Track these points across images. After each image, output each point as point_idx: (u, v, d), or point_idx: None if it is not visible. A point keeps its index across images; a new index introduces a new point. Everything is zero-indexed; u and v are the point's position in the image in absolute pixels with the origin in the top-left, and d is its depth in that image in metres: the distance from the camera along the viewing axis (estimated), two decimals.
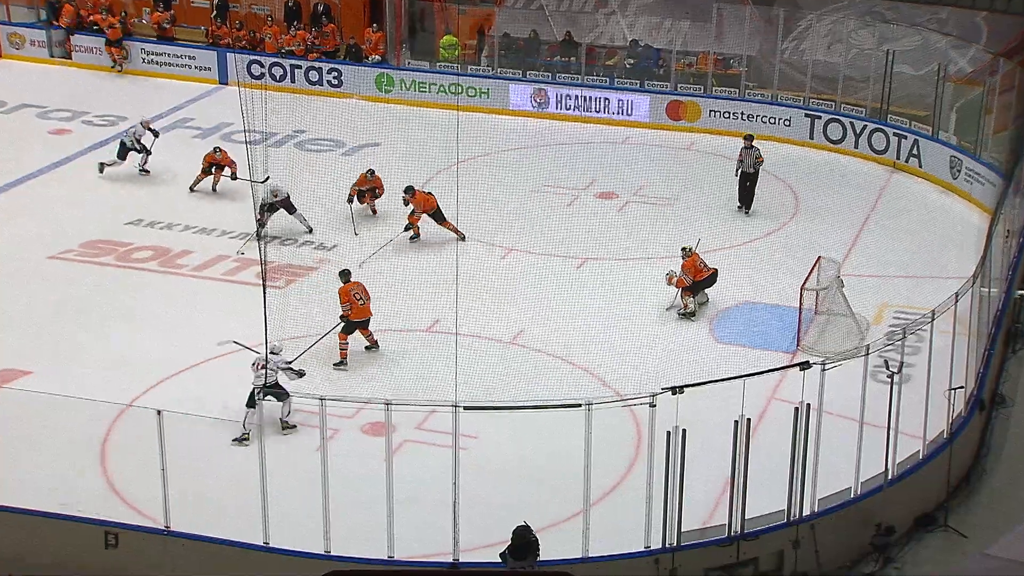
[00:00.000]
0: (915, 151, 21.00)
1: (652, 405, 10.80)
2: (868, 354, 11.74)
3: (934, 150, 20.67)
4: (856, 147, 21.80)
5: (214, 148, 19.76)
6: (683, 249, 16.03)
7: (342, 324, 14.69)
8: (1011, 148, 18.41)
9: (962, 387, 12.99)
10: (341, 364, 14.57)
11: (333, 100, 23.50)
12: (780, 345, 15.43)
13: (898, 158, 21.32)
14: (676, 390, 10.75)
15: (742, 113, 22.66)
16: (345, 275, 14.95)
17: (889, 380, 11.84)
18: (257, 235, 16.45)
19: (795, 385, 11.42)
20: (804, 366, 11.28)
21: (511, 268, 17.36)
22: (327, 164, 20.63)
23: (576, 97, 23.42)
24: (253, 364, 13.23)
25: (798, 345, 15.35)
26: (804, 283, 15.59)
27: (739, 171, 19.20)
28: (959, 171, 20.18)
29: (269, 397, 13.00)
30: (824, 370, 11.34)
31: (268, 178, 17.70)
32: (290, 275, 16.99)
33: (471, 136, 19.71)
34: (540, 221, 18.90)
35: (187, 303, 16.46)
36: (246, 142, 16.76)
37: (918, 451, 12.59)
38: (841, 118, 21.92)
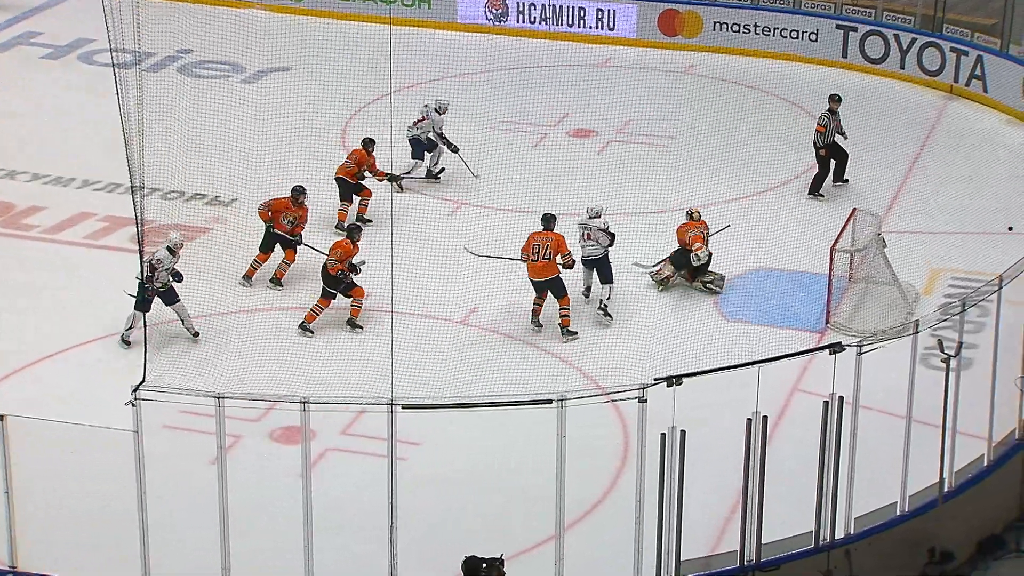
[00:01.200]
0: (978, 71, 21.20)
1: (642, 400, 10.85)
2: (917, 332, 11.84)
3: (1003, 69, 20.87)
4: (902, 67, 21.97)
5: (364, 141, 17.37)
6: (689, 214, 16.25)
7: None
8: None
9: None
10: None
11: (228, 10, 23.21)
12: (805, 323, 15.59)
13: (956, 81, 21.52)
14: (673, 381, 10.81)
15: (755, 25, 22.75)
16: (546, 220, 15.42)
17: (944, 366, 11.96)
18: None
19: (824, 373, 11.50)
20: (836, 348, 11.38)
21: (462, 227, 17.36)
22: (221, 94, 20.48)
23: (543, 7, 23.39)
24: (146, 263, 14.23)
25: (828, 322, 15.52)
26: (835, 243, 15.73)
27: (822, 145, 18.25)
28: None
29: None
30: (861, 353, 11.45)
31: (458, 149, 17.71)
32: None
33: (408, 58, 19.61)
34: (498, 167, 18.91)
35: (40, 274, 16.32)
36: (113, 65, 16.55)
37: (982, 456, 12.76)
38: (883, 30, 22.06)
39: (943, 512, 12.34)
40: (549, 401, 10.74)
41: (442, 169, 18.56)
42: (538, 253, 15.17)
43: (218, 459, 10.92)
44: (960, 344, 12.09)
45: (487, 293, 15.96)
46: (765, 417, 11.22)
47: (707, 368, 11.65)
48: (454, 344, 15.08)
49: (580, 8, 23.38)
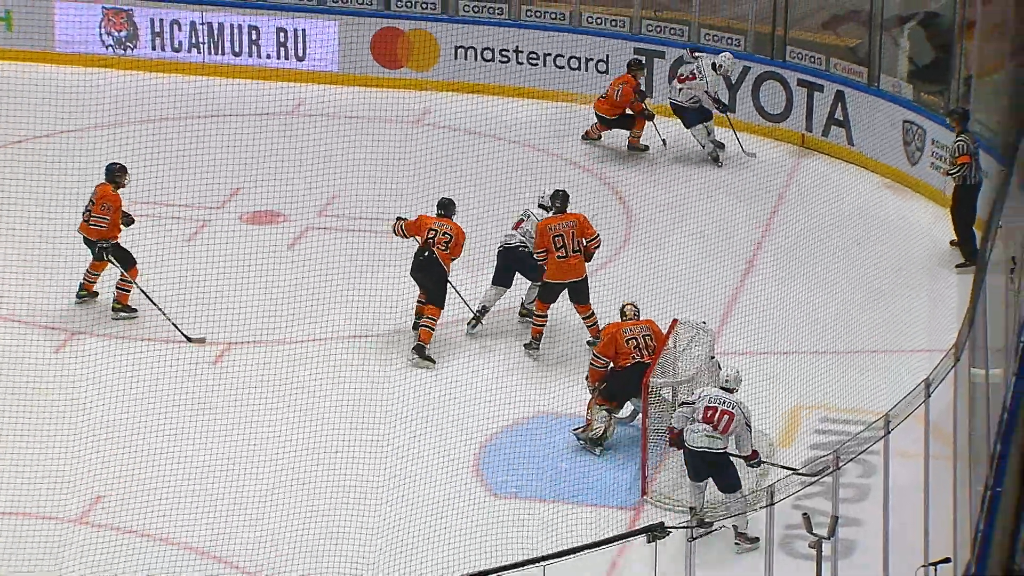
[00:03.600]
0: (839, 114, 22.05)
1: None
2: (773, 504, 12.07)
3: (873, 110, 21.74)
4: (732, 111, 22.64)
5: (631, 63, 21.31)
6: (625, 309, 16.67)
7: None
8: (1011, 104, 19.48)
9: (949, 560, 13.45)
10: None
11: None
12: (610, 496, 15.73)
13: (809, 129, 22.34)
14: None
15: (516, 51, 23.18)
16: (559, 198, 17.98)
17: (815, 551, 12.10)
18: None
19: (642, 570, 11.57)
20: (656, 533, 11.51)
21: (72, 371, 17.19)
22: None
23: (194, 25, 23.39)
24: None
25: (643, 493, 15.68)
26: (649, 371, 15.92)
27: (966, 182, 18.97)
28: (920, 149, 21.20)
29: None
30: (693, 539, 11.62)
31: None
32: None
33: None
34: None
35: None
36: None
37: None
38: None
39: None
40: None
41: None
42: (565, 245, 17.56)
43: None
44: (835, 519, 12.26)
45: (122, 471, 15.73)
46: None
47: (467, 573, 11.77)
48: (67, 557, 14.63)
49: (251, 27, 23.42)
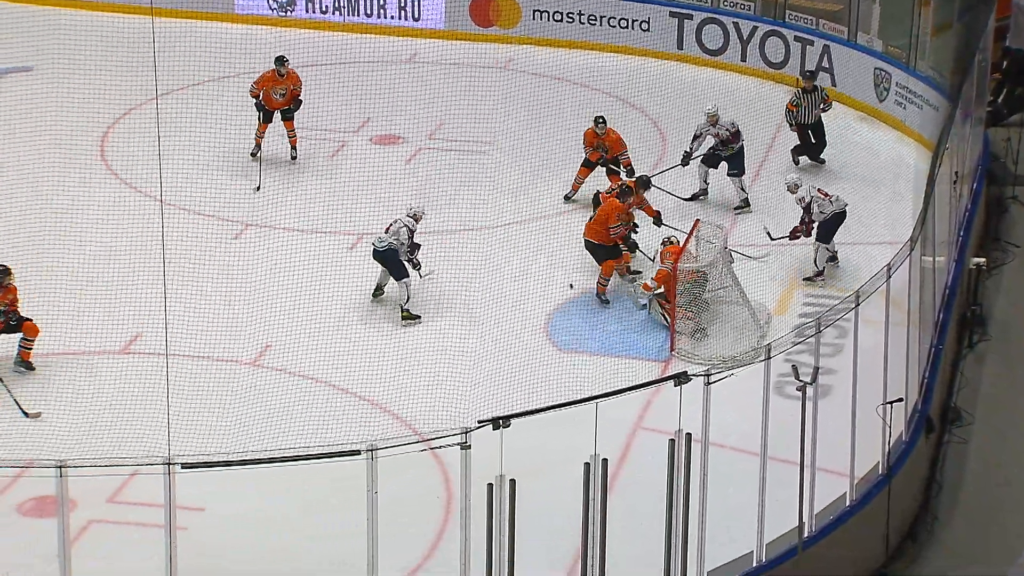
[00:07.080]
0: (826, 62, 21.86)
1: (465, 446, 10.86)
2: (770, 358, 12.11)
3: (851, 60, 21.60)
4: (743, 60, 22.53)
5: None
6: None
7: None
8: (956, 55, 19.34)
9: (902, 400, 13.56)
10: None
11: None
12: (647, 351, 15.82)
13: (802, 73, 22.11)
14: (499, 423, 10.85)
15: (580, 14, 23.10)
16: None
17: (801, 394, 12.24)
18: None
19: (670, 407, 11.68)
20: (681, 379, 11.57)
21: (248, 252, 17.27)
22: None
23: None
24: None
25: (672, 349, 15.77)
26: (677, 259, 15.97)
27: (793, 124, 19.59)
28: (887, 89, 21.13)
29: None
30: (709, 383, 11.66)
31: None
32: None
33: (176, 56, 19.37)
34: (289, 181, 18.83)
35: None
36: None
37: (844, 494, 13.08)
38: (721, 18, 22.59)
39: (803, 560, 12.59)
40: (357, 452, 10.65)
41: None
42: None
43: None
44: (816, 369, 12.38)
45: (283, 327, 15.86)
46: (605, 460, 11.29)
47: (538, 407, 11.71)
48: (244, 390, 14.89)
49: None
